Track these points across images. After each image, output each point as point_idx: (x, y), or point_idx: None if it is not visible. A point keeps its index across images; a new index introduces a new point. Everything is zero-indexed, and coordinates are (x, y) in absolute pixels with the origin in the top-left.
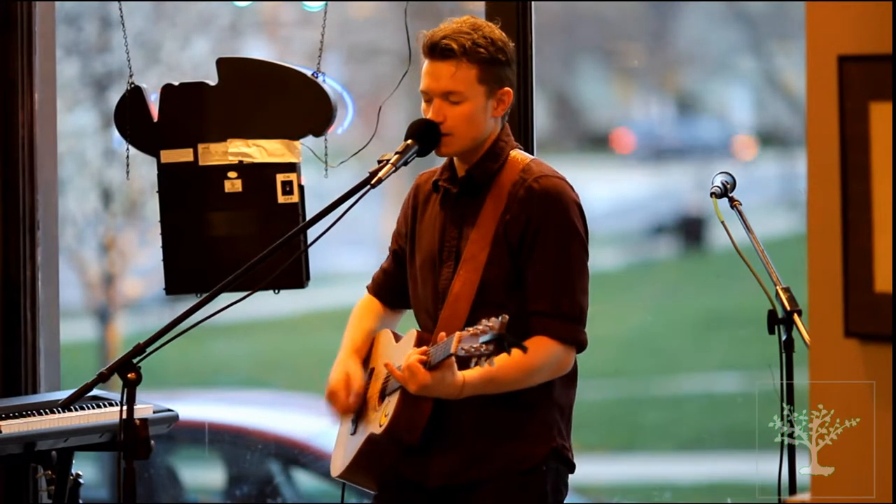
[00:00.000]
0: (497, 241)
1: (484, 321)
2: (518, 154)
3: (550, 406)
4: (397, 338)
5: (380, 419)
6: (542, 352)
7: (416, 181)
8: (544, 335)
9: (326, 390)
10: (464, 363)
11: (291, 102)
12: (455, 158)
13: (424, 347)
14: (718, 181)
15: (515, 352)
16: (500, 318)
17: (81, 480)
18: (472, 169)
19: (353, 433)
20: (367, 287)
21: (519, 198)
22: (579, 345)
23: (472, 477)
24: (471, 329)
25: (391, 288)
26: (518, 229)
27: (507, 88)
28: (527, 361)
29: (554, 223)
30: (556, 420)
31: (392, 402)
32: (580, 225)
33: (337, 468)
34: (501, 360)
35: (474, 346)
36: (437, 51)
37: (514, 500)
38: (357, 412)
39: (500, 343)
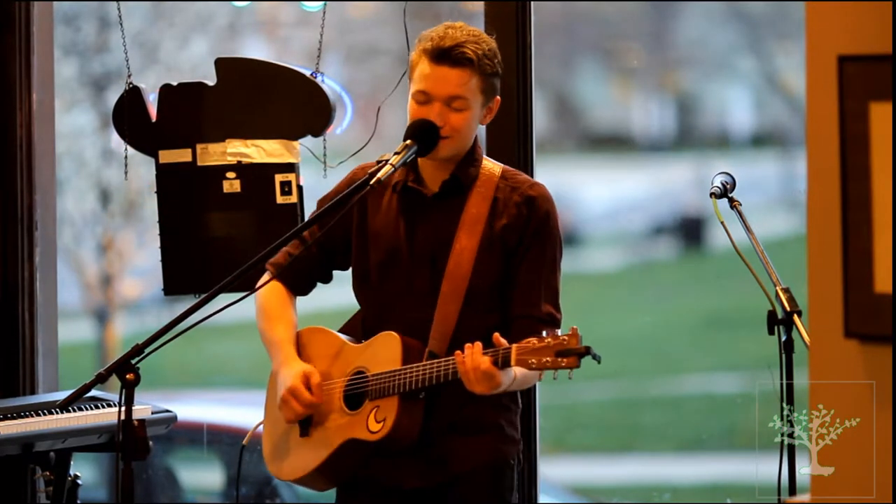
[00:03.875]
0: (487, 247)
1: (550, 334)
2: (487, 160)
3: (517, 407)
4: (358, 340)
5: (368, 424)
6: None
7: (351, 174)
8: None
9: (283, 391)
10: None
11: (290, 103)
12: (424, 161)
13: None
14: (718, 181)
15: None
16: (571, 331)
17: (80, 481)
18: (457, 172)
19: (307, 436)
20: (269, 269)
21: (516, 203)
22: None
23: (445, 477)
24: (534, 341)
25: (298, 272)
26: (516, 234)
27: (497, 98)
28: None
29: (547, 231)
30: (518, 420)
31: (386, 408)
32: (560, 234)
33: (289, 472)
34: None
35: (547, 358)
36: (450, 57)
37: (485, 496)
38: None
39: (582, 357)
